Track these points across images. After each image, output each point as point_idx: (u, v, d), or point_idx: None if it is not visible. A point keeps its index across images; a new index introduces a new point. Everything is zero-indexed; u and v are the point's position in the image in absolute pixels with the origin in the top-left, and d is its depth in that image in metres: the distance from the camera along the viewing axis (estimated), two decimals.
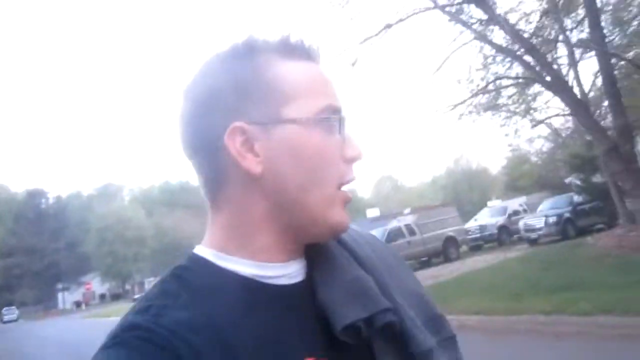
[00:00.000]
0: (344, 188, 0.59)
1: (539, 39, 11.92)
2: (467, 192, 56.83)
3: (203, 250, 0.58)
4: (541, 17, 12.45)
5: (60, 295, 49.19)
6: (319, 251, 0.60)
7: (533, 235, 16.08)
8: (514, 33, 9.97)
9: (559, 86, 9.92)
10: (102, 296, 52.00)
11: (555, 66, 12.08)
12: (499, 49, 10.95)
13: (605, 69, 10.35)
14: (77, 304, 46.40)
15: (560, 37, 11.86)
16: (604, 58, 10.25)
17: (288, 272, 0.57)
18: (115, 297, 49.39)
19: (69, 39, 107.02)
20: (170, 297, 0.52)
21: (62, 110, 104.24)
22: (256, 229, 0.56)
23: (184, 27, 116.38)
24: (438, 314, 0.66)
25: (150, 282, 45.33)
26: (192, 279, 0.54)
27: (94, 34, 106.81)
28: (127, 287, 50.93)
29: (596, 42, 10.28)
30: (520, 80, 11.34)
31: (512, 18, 12.03)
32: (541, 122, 12.30)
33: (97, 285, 50.70)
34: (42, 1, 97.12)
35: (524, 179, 27.33)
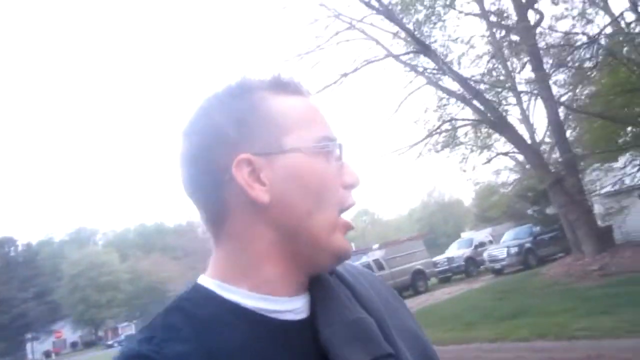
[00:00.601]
0: (344, 215, 0.61)
1: (490, 79, 13.02)
2: (441, 224, 57.77)
3: (206, 281, 0.59)
4: (489, 61, 13.61)
5: (29, 345, 47.08)
6: (321, 289, 0.61)
7: (497, 266, 16.74)
8: (460, 80, 10.91)
9: (503, 126, 10.82)
10: (74, 344, 49.95)
11: (509, 104, 13.16)
12: (449, 93, 11.89)
13: (550, 109, 11.35)
14: (47, 354, 44.46)
15: (508, 77, 12.99)
16: (548, 99, 11.26)
17: (294, 307, 0.58)
18: (88, 344, 47.54)
19: (35, 81, 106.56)
20: (173, 330, 0.53)
21: (30, 153, 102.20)
22: (262, 260, 0.57)
23: (152, 75, 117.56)
24: (432, 356, 0.67)
25: (124, 328, 44.05)
26: (195, 311, 0.55)
27: (63, 75, 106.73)
28: (100, 333, 49.19)
29: (540, 83, 11.32)
30: (470, 121, 12.20)
31: (464, 61, 13.16)
32: (491, 160, 13.14)
33: (68, 333, 48.82)
34: (6, 43, 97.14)
35: (492, 210, 28.32)
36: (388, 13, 11.41)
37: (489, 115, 10.92)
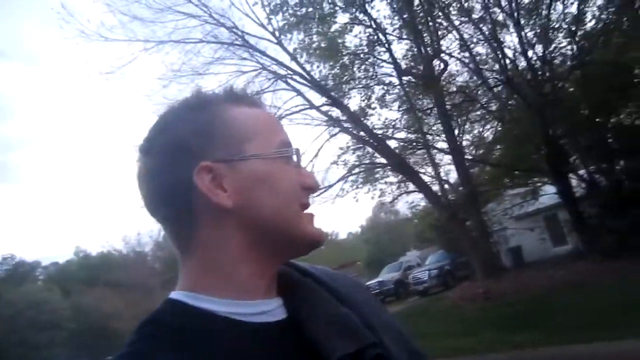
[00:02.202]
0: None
1: (403, 122, 14.83)
2: (388, 244, 59.57)
3: (177, 294, 0.58)
4: (399, 107, 15.47)
5: None
6: (298, 290, 0.63)
7: (420, 288, 18.33)
8: (365, 129, 12.55)
9: (405, 170, 12.50)
10: None
11: (413, 149, 14.95)
12: (361, 141, 13.48)
13: (458, 162, 13.20)
14: None
15: (416, 122, 14.81)
16: (455, 154, 13.13)
17: (269, 308, 0.59)
18: None
19: None
20: (148, 343, 0.52)
21: None
22: (234, 264, 0.58)
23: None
24: (417, 351, 0.68)
25: None
26: (170, 323, 0.55)
27: None
28: None
29: (447, 137, 13.19)
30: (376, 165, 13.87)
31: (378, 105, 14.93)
32: (397, 197, 14.86)
33: None
34: None
35: (428, 231, 30.35)
36: (305, 72, 12.96)
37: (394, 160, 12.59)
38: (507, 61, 11.09)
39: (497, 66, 10.78)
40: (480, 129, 15.29)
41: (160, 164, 0.59)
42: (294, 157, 0.64)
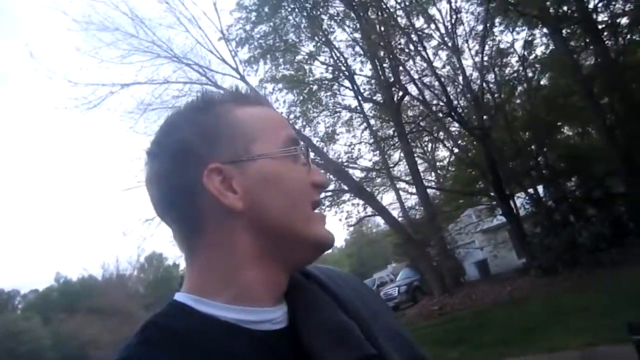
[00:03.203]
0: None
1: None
2: (370, 258, 60.09)
3: (181, 296, 0.58)
4: (362, 132, 16.40)
5: None
6: (301, 296, 0.62)
7: (391, 304, 18.91)
8: (322, 156, 13.37)
9: (365, 196, 13.31)
10: None
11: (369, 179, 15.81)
12: (323, 168, 14.26)
13: (417, 185, 14.10)
14: None
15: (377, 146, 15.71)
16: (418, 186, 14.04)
17: (273, 317, 0.58)
18: None
19: None
20: (149, 346, 0.52)
21: None
22: (241, 268, 0.57)
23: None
24: (421, 356, 0.67)
25: None
26: (172, 326, 0.55)
27: None
28: None
29: (408, 161, 14.08)
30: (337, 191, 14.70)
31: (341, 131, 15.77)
32: (362, 219, 15.64)
33: None
34: None
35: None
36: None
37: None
38: (454, 91, 12.07)
39: (444, 97, 11.67)
40: (436, 155, 16.30)
41: (167, 167, 0.59)
42: (302, 155, 0.63)
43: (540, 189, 12.46)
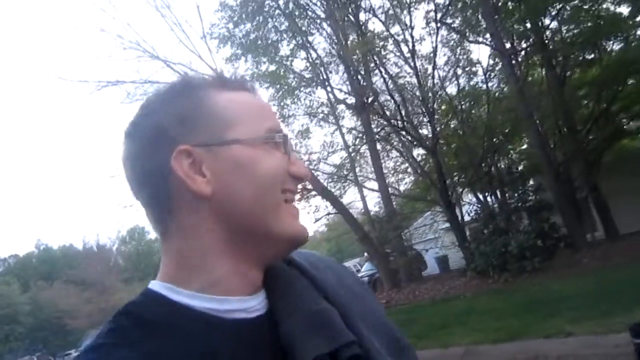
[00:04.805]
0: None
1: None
2: (348, 244, 61.51)
3: (156, 285, 0.57)
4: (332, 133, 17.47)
5: None
6: (279, 282, 0.60)
7: None
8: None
9: (328, 197, 14.51)
10: None
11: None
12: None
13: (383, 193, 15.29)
14: None
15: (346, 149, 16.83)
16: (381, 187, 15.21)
17: (247, 306, 0.57)
18: None
19: None
20: (120, 333, 0.52)
21: None
22: (212, 256, 0.56)
23: None
24: (405, 344, 0.67)
25: None
26: (144, 315, 0.54)
27: None
28: None
29: (373, 163, 15.22)
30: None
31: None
32: (328, 214, 16.87)
33: None
34: None
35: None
36: None
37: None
38: (409, 107, 13.18)
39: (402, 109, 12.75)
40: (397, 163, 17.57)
41: (141, 148, 0.59)
42: (282, 145, 0.60)
43: (489, 197, 13.72)
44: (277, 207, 0.58)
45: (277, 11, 16.39)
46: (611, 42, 13.13)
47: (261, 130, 0.59)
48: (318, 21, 16.19)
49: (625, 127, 14.64)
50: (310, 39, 16.38)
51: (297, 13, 16.02)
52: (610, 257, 10.50)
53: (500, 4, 13.28)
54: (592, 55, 13.38)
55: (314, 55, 16.32)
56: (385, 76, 13.93)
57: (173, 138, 0.57)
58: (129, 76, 14.08)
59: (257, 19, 16.32)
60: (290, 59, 16.94)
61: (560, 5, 12.14)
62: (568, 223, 11.73)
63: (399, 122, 12.68)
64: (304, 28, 16.30)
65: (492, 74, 14.35)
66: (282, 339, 0.55)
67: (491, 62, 13.89)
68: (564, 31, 13.05)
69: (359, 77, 15.96)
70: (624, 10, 12.56)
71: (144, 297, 0.57)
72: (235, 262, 0.57)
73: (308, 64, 16.44)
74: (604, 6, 12.40)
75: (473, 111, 14.08)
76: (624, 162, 13.63)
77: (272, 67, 17.20)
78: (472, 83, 14.76)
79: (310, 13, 16.41)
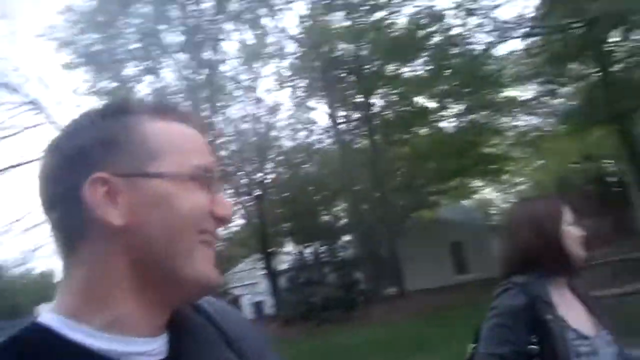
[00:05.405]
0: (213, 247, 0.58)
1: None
2: None
3: (48, 317, 0.52)
4: None
5: None
6: (185, 328, 0.58)
7: None
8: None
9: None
10: None
11: None
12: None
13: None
14: None
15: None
16: None
17: (149, 348, 0.53)
18: None
19: None
20: None
21: None
22: (118, 290, 0.52)
23: None
24: None
25: None
26: (27, 354, 0.48)
27: None
28: None
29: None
30: None
31: None
32: None
33: None
34: None
35: None
36: None
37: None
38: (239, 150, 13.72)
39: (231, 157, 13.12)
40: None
41: (58, 167, 0.54)
42: (208, 184, 0.56)
43: (307, 248, 14.60)
44: (191, 248, 0.54)
45: (130, 29, 15.73)
46: (420, 128, 15.57)
47: (187, 166, 0.55)
48: (170, 50, 15.94)
49: (426, 199, 17.20)
50: (159, 66, 15.97)
51: (150, 38, 15.55)
52: (400, 311, 12.01)
53: (341, 75, 14.88)
54: (406, 137, 15.67)
55: (160, 84, 15.90)
56: (228, 118, 14.24)
57: (93, 163, 0.53)
58: None
59: (106, 32, 15.40)
60: (134, 80, 16.22)
61: (385, 90, 14.10)
62: (367, 279, 13.12)
63: (231, 167, 12.96)
64: (154, 53, 15.87)
65: (327, 136, 15.70)
66: None
67: (327, 124, 15.27)
68: (387, 112, 15.11)
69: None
70: (433, 104, 15.22)
71: (29, 331, 0.51)
72: (142, 300, 0.53)
73: (152, 91, 15.90)
74: (417, 99, 14.77)
75: (304, 165, 15.11)
76: (422, 230, 15.93)
77: (114, 84, 16.23)
78: (309, 140, 15.91)
79: (164, 40, 16.10)
